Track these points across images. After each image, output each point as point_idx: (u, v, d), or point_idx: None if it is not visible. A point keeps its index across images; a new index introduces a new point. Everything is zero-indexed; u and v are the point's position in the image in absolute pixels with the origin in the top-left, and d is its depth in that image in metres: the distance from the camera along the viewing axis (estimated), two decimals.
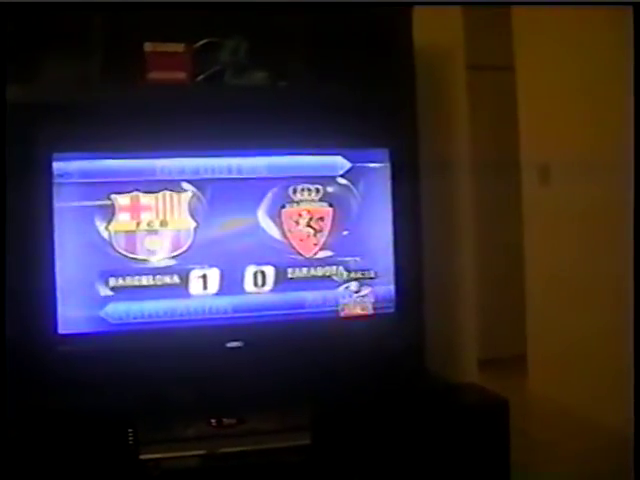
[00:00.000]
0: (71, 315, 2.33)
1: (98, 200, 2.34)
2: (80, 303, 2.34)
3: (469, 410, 2.58)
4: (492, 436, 2.59)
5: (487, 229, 3.71)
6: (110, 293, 2.36)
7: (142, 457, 2.25)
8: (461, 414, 2.45)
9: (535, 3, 2.73)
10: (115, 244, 2.36)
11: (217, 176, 2.43)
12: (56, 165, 2.31)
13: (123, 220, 2.36)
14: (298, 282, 2.48)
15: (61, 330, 2.32)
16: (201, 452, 2.28)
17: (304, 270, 2.49)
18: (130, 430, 2.25)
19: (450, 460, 2.40)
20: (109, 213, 2.35)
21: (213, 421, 2.28)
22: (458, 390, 2.53)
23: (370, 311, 2.53)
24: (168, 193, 2.38)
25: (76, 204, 2.33)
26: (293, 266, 2.48)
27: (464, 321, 3.06)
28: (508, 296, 4.83)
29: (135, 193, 2.36)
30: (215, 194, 2.42)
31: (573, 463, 3.23)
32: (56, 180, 2.31)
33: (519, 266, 4.51)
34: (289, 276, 2.48)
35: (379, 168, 2.55)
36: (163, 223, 2.39)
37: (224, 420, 2.29)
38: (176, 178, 2.40)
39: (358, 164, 2.53)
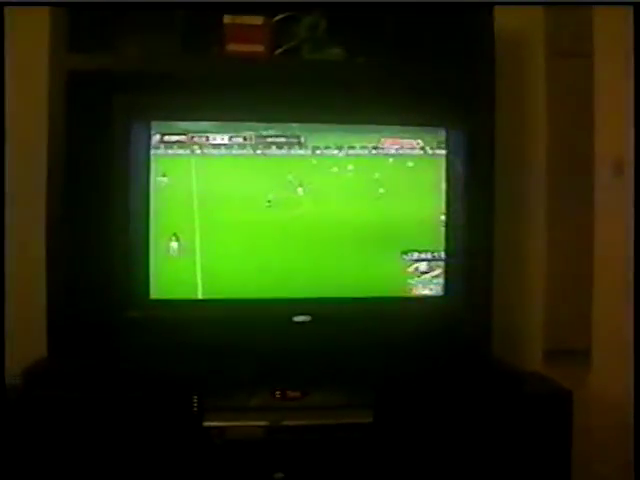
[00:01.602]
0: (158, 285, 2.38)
1: None
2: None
3: (533, 398, 2.52)
4: (555, 426, 2.56)
5: (558, 219, 3.63)
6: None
7: (206, 424, 2.27)
8: (524, 402, 2.41)
9: (536, 3, 2.68)
10: None
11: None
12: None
13: None
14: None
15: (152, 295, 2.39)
16: (264, 423, 2.29)
17: None
18: (195, 397, 2.27)
19: (511, 447, 2.37)
20: None
21: (277, 393, 2.29)
22: (522, 378, 2.47)
23: (439, 293, 2.50)
24: None
25: None
26: None
27: (531, 310, 3.03)
28: (576, 289, 4.72)
29: None
30: None
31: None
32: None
33: (589, 260, 4.41)
34: None
35: (453, 151, 2.51)
36: None
37: (288, 392, 2.29)
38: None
39: (430, 146, 2.51)
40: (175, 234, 2.42)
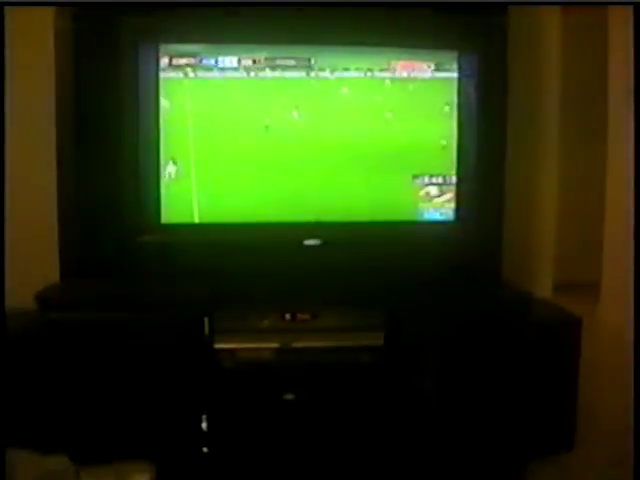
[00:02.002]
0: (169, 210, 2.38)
1: None
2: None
3: (542, 324, 2.55)
4: (563, 352, 2.59)
5: (571, 148, 3.59)
6: None
7: (216, 347, 2.29)
8: (535, 327, 2.42)
9: (536, 3, 2.61)
10: None
11: None
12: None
13: None
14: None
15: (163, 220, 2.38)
16: (274, 345, 2.31)
17: None
18: (206, 319, 2.28)
19: (520, 371, 2.39)
20: None
21: (288, 315, 2.30)
22: (533, 304, 2.47)
23: (450, 217, 2.50)
24: None
25: None
26: None
27: (542, 241, 2.99)
28: (587, 221, 4.69)
29: None
30: None
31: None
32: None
33: (600, 192, 4.37)
34: None
35: (465, 74, 2.48)
36: None
37: (298, 315, 2.30)
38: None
39: (441, 69, 2.48)
40: (178, 159, 2.40)
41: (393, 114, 2.47)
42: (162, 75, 2.37)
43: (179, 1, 2.29)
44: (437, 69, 2.49)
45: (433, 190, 2.50)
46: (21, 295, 2.23)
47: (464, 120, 2.49)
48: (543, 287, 2.94)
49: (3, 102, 2.22)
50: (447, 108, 2.49)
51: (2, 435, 1.68)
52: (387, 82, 2.48)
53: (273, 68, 2.43)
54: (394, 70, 2.48)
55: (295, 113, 2.42)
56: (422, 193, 2.49)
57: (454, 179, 2.50)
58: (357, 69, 2.46)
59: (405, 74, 2.49)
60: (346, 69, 2.46)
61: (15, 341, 2.18)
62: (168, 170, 2.38)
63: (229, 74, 2.41)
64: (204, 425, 2.34)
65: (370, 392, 2.37)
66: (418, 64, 2.49)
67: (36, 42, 2.45)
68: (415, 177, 2.50)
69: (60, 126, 2.42)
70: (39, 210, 2.57)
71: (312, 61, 2.45)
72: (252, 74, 2.43)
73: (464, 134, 2.49)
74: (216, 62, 2.43)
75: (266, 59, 2.43)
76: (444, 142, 2.50)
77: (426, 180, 2.50)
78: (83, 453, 1.97)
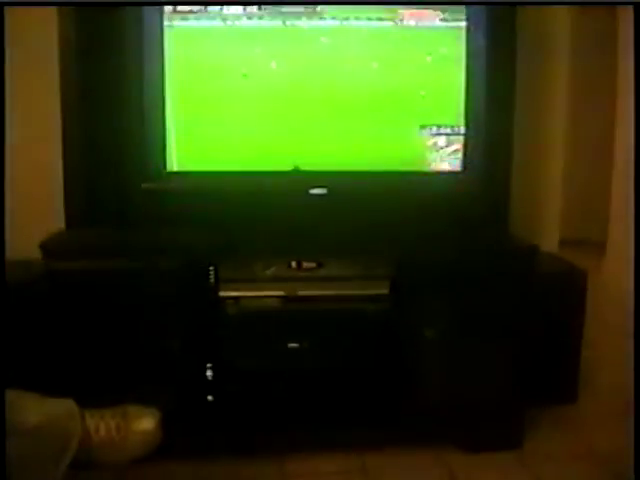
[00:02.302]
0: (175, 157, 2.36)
1: None
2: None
3: (549, 275, 2.55)
4: (569, 303, 2.61)
5: (581, 102, 3.56)
6: None
7: (221, 294, 2.28)
8: (540, 278, 2.41)
9: (536, 3, 2.56)
10: None
11: None
12: None
13: None
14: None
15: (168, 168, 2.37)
16: (279, 293, 2.30)
17: None
18: (211, 268, 2.27)
19: (525, 321, 2.37)
20: None
21: (293, 264, 2.29)
22: (539, 256, 2.43)
23: (457, 168, 2.47)
24: None
25: None
26: None
27: (549, 197, 2.97)
28: (595, 179, 4.68)
29: None
30: None
31: None
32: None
33: (609, 151, 4.35)
34: None
35: (474, 22, 2.43)
36: None
37: (304, 263, 2.29)
38: None
39: (450, 18, 2.43)
40: (184, 106, 2.38)
41: (400, 64, 2.43)
42: (166, 23, 2.33)
43: None
44: (445, 19, 2.44)
45: (441, 141, 2.46)
46: (27, 246, 2.23)
47: (473, 70, 2.44)
48: (549, 242, 2.92)
49: (3, 100, 2.20)
50: (456, 58, 2.44)
51: (2, 376, 1.67)
52: (394, 31, 2.42)
53: (284, 15, 2.38)
54: (402, 19, 2.43)
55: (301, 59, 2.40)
56: (430, 143, 2.46)
57: (462, 130, 2.46)
58: (366, 18, 2.41)
59: (413, 23, 2.43)
60: (356, 18, 2.41)
61: (18, 289, 2.18)
62: (174, 117, 2.33)
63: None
64: (209, 373, 2.34)
65: (375, 340, 2.37)
66: (427, 12, 2.43)
67: None
68: (423, 127, 2.46)
69: (64, 73, 2.39)
70: (44, 159, 2.56)
71: (318, 8, 2.39)
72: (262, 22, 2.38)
73: (473, 84, 2.44)
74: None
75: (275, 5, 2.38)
76: (453, 92, 2.45)
77: (434, 130, 2.46)
78: (88, 398, 1.93)
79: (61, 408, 1.86)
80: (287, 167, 2.40)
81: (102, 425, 1.93)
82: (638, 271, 2.30)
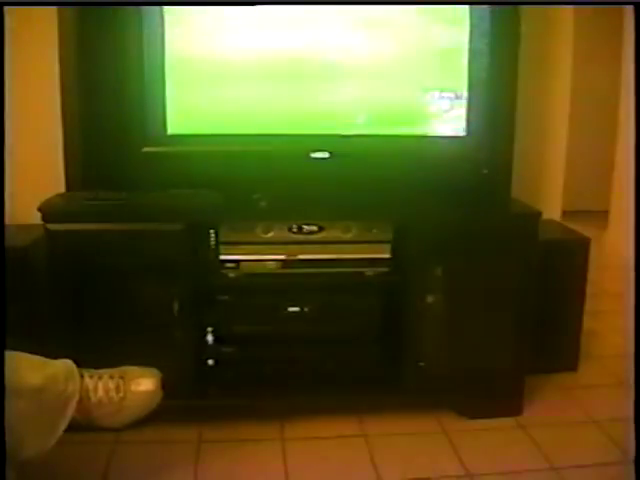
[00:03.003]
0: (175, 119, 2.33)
1: None
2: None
3: (551, 241, 2.55)
4: (571, 270, 2.62)
5: (584, 74, 3.52)
6: None
7: (222, 257, 2.29)
8: (543, 244, 2.37)
9: (535, 3, 2.52)
10: None
11: None
12: None
13: None
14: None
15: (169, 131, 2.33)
16: (280, 257, 2.30)
17: None
18: (212, 231, 2.27)
19: (527, 287, 2.35)
20: None
21: (294, 227, 2.28)
22: (542, 222, 2.39)
23: (460, 132, 2.44)
24: None
25: None
26: None
27: (552, 163, 2.97)
28: (597, 150, 4.67)
29: None
30: None
31: None
32: None
33: (612, 125, 4.33)
34: None
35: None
36: None
37: (304, 227, 2.29)
38: None
39: None
40: (184, 69, 2.33)
41: (401, 26, 2.38)
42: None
43: None
44: None
45: (444, 105, 2.43)
46: (29, 211, 2.20)
47: (476, 33, 2.39)
48: (552, 211, 2.93)
49: (3, 99, 2.15)
50: (459, 20, 2.39)
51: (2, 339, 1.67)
52: None
53: None
54: None
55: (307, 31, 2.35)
56: (433, 107, 2.42)
57: (465, 94, 2.43)
58: None
59: None
60: None
61: (17, 252, 2.18)
62: (175, 80, 2.30)
63: None
64: (209, 337, 2.35)
65: (376, 304, 2.38)
66: None
67: None
68: (426, 91, 2.42)
69: (63, 40, 2.37)
70: (43, 122, 2.53)
71: None
72: None
73: (476, 48, 2.40)
74: None
75: None
76: (456, 56, 2.41)
77: (437, 94, 2.43)
78: (87, 360, 1.94)
79: (60, 369, 1.86)
80: (289, 131, 2.37)
81: (101, 386, 1.95)
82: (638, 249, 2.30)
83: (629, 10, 3.95)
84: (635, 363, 1.72)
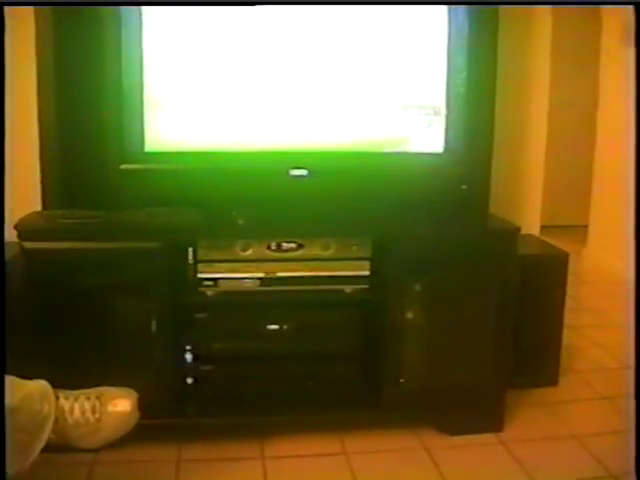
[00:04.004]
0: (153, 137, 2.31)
1: None
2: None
3: (530, 256, 2.56)
4: (550, 285, 2.63)
5: (562, 86, 3.54)
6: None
7: (200, 276, 2.28)
8: (522, 259, 2.38)
9: (535, 3, 2.55)
10: None
11: None
12: None
13: None
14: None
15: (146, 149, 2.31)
16: (258, 274, 2.30)
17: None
18: (190, 249, 2.26)
19: (506, 302, 2.35)
20: None
21: (273, 245, 2.28)
22: (520, 238, 2.40)
23: (438, 149, 2.44)
24: None
25: None
26: None
27: (530, 178, 2.97)
28: (576, 164, 4.70)
29: None
30: None
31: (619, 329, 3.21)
32: None
33: (590, 138, 4.36)
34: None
35: (457, 9, 2.39)
36: None
37: (283, 244, 2.29)
38: None
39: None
40: (161, 86, 2.31)
41: (383, 43, 2.38)
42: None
43: None
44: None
45: (422, 121, 2.43)
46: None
47: (453, 51, 2.40)
48: (530, 226, 2.93)
49: (3, 100, 2.12)
50: (438, 38, 2.40)
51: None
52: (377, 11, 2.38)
53: None
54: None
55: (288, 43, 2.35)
56: (411, 124, 2.42)
57: (443, 110, 2.43)
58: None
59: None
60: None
61: None
62: (151, 97, 2.29)
63: None
64: (188, 356, 2.34)
65: (355, 321, 2.38)
66: None
67: None
68: (404, 108, 2.42)
69: (40, 56, 2.34)
70: (19, 139, 2.50)
71: None
72: None
73: (454, 65, 2.40)
74: None
75: None
76: (434, 73, 2.41)
77: (415, 111, 2.42)
78: (63, 380, 1.93)
79: (35, 390, 1.84)
80: (267, 148, 2.36)
81: (77, 406, 1.93)
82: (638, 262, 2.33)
83: (609, 18, 3.99)
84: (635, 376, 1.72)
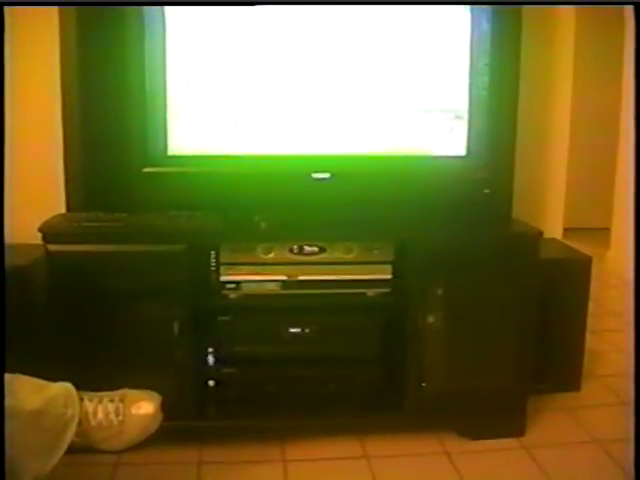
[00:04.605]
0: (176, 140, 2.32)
1: None
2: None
3: (553, 260, 2.54)
4: (574, 288, 2.61)
5: (586, 93, 3.52)
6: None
7: (222, 279, 2.28)
8: (545, 264, 2.36)
9: (535, 3, 2.54)
10: None
11: None
12: None
13: None
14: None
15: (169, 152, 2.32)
16: (280, 278, 2.30)
17: None
18: (212, 252, 2.27)
19: (529, 306, 2.34)
20: None
21: (295, 248, 2.28)
22: (543, 242, 2.38)
23: (460, 152, 2.44)
24: None
25: None
26: None
27: (553, 180, 2.96)
28: (598, 167, 4.66)
29: None
30: None
31: None
32: None
33: (613, 143, 4.32)
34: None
35: (480, 11, 2.38)
36: None
37: (305, 248, 2.28)
38: None
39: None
40: (186, 89, 2.32)
41: (405, 46, 2.38)
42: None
43: None
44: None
45: (444, 125, 2.42)
46: (28, 230, 2.20)
47: (477, 54, 2.40)
48: (553, 230, 2.91)
49: (3, 99, 2.14)
50: (460, 42, 2.40)
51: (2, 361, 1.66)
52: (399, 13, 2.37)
53: None
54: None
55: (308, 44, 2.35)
56: (433, 128, 2.42)
57: (466, 114, 2.42)
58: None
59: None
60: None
61: (17, 273, 2.14)
62: (175, 100, 2.30)
63: None
64: (210, 358, 2.35)
65: (377, 325, 2.37)
66: None
67: None
68: (426, 112, 2.42)
69: (64, 58, 2.36)
70: (44, 141, 2.53)
71: None
72: None
73: (477, 68, 2.40)
74: None
75: None
76: (457, 76, 2.41)
77: (437, 115, 2.42)
78: (87, 382, 1.94)
79: (59, 392, 1.85)
80: (289, 151, 2.37)
81: (100, 409, 1.94)
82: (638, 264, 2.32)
83: (630, 21, 3.95)
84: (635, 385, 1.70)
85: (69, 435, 1.81)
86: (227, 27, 2.29)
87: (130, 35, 2.27)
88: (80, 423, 1.86)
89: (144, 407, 1.99)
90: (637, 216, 1.95)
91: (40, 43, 2.49)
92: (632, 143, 2.68)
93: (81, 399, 1.89)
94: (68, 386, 1.88)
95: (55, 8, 2.34)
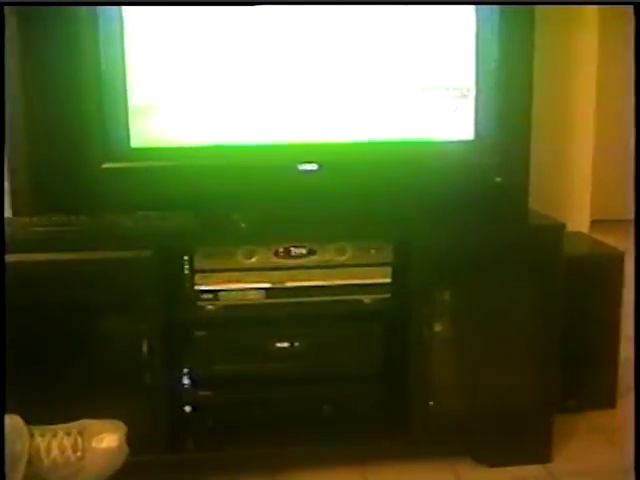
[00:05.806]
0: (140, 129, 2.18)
1: None
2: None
3: (579, 259, 2.42)
4: (604, 289, 2.49)
5: (613, 71, 3.33)
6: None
7: (198, 288, 2.15)
8: (569, 263, 2.22)
9: (534, 3, 2.43)
10: None
11: None
12: None
13: None
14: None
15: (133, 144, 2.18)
16: (264, 285, 2.18)
17: None
18: (186, 258, 2.13)
19: (552, 312, 2.21)
20: None
21: (280, 251, 2.16)
22: (566, 237, 2.24)
23: (468, 136, 2.28)
24: None
25: None
26: None
27: (577, 166, 2.78)
28: (623, 154, 4.43)
29: None
30: None
31: None
32: None
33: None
34: None
35: None
36: None
37: (292, 250, 2.16)
38: None
39: None
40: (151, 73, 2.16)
41: (399, 13, 2.20)
42: None
43: None
44: None
45: (447, 104, 2.25)
46: None
47: (483, 22, 2.22)
48: (578, 222, 2.76)
49: (3, 99, 2.06)
50: (466, 12, 2.22)
51: None
52: None
53: None
54: None
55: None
56: (434, 108, 2.25)
57: (473, 91, 2.25)
58: None
59: None
60: None
61: None
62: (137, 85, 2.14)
63: None
64: (185, 380, 2.22)
65: (377, 337, 2.25)
66: None
67: None
68: (426, 90, 2.25)
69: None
70: None
71: None
72: None
73: (485, 39, 2.22)
74: None
75: None
76: (460, 48, 2.23)
77: (439, 93, 2.25)
78: (38, 414, 1.76)
79: (5, 426, 1.69)
80: (271, 140, 2.22)
81: (55, 444, 1.79)
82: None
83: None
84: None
85: (18, 476, 1.68)
86: (200, 10, 2.14)
87: (85, 26, 2.12)
88: (31, 463, 1.72)
89: (106, 440, 1.83)
90: (637, 215, 1.91)
91: None
92: (632, 143, 2.53)
93: (31, 435, 1.75)
94: (15, 419, 1.73)
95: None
